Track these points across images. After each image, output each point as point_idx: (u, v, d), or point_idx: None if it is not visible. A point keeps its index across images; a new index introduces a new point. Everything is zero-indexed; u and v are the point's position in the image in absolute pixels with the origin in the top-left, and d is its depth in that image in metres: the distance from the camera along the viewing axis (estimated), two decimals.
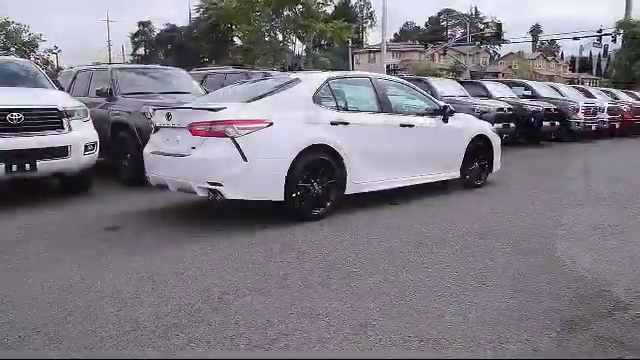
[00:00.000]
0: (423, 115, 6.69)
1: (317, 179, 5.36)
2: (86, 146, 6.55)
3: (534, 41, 57.72)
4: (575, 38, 36.11)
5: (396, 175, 6.22)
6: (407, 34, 74.58)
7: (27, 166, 6.04)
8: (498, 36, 37.22)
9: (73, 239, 4.79)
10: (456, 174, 7.06)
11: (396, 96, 6.43)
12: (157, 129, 5.62)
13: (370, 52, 58.21)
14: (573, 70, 62.47)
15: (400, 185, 6.28)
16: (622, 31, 28.76)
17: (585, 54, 55.89)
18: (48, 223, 5.42)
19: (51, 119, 6.33)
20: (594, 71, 39.35)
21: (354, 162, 5.62)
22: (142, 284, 3.55)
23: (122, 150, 7.67)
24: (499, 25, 36.56)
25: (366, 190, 5.88)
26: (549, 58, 64.88)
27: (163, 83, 8.75)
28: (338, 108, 5.71)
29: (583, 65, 56.86)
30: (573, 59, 66.66)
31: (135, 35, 65.28)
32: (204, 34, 44.94)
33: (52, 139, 6.24)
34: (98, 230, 5.07)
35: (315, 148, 5.29)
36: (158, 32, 62.50)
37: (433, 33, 71.01)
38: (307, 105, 5.46)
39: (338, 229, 5.04)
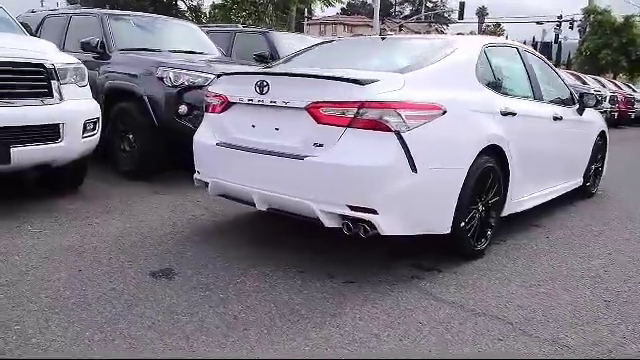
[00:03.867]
0: (560, 104, 4.94)
1: (482, 197, 3.50)
2: (85, 125, 4.29)
3: (480, 22, 57.65)
4: (539, 22, 35.89)
5: (545, 186, 4.49)
6: (354, 8, 72.44)
7: None
8: (461, 16, 36.31)
9: (99, 308, 2.66)
10: (580, 181, 5.43)
11: (539, 76, 4.61)
12: (226, 106, 3.47)
13: (322, 24, 55.74)
14: None
15: (543, 200, 4.54)
16: (591, 17, 28.50)
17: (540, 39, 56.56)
18: (31, 256, 3.21)
19: (34, 82, 4.01)
20: (554, 58, 39.60)
21: (516, 170, 3.81)
22: None
23: (121, 129, 5.38)
24: (462, 4, 35.54)
25: (519, 210, 4.10)
26: None
27: (171, 39, 6.43)
28: (500, 91, 3.83)
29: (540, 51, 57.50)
30: (523, 43, 67.74)
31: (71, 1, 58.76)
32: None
33: (35, 113, 3.95)
34: (138, 281, 2.97)
35: (485, 151, 3.41)
36: None
37: (381, 9, 69.46)
38: (471, 84, 3.55)
39: (507, 277, 3.28)
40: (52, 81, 4.06)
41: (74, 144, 4.18)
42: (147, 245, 3.53)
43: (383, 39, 4.02)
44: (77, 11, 6.63)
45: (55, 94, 4.07)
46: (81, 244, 3.50)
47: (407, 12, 67.84)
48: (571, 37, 35.45)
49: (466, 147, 3.26)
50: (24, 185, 4.91)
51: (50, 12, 7.00)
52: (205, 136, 3.58)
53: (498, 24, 62.52)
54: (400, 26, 44.66)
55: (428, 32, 64.91)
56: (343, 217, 2.94)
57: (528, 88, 4.31)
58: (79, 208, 4.30)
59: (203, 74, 5.13)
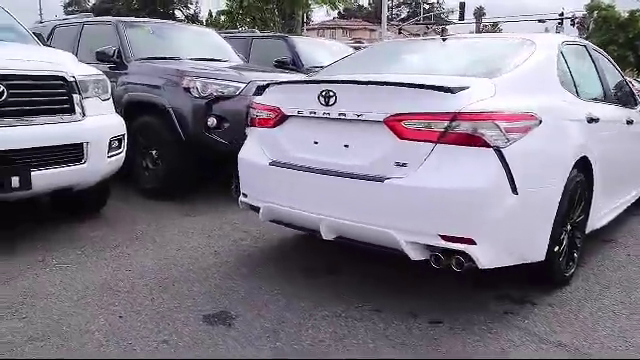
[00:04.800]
0: (627, 106, 4.50)
1: (571, 216, 3.07)
2: (110, 143, 3.84)
3: (477, 22, 57.37)
4: (540, 21, 35.56)
5: (620, 196, 4.07)
6: (351, 12, 72.09)
7: (14, 181, 3.28)
8: (462, 16, 35.96)
9: None
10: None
11: (607, 76, 4.18)
12: (280, 120, 3.03)
13: (321, 29, 55.35)
14: None
15: (619, 212, 4.10)
16: (595, 14, 28.21)
17: None
18: (61, 298, 2.76)
19: (54, 97, 3.57)
20: None
21: (599, 183, 3.38)
22: None
23: (143, 144, 4.93)
24: (462, 4, 35.21)
25: (599, 225, 3.67)
26: None
27: (189, 46, 5.98)
28: (580, 94, 3.40)
29: None
30: None
31: (69, 5, 58.17)
32: (143, 6, 40.15)
33: (56, 132, 3.51)
34: (191, 329, 2.52)
35: (576, 164, 2.98)
36: (94, 2, 55.85)
37: (378, 12, 69.15)
38: (555, 88, 3.12)
39: (609, 307, 2.85)
40: (73, 95, 3.63)
41: (99, 165, 3.74)
42: (191, 280, 3.08)
43: (444, 40, 3.59)
44: (89, 20, 6.19)
45: (77, 110, 3.63)
46: (115, 281, 3.05)
47: (404, 14, 67.50)
48: (572, 35, 35.02)
49: (562, 161, 2.83)
50: (39, 208, 4.46)
51: (60, 22, 6.56)
52: (254, 154, 3.14)
53: (495, 24, 62.24)
54: (400, 29, 44.30)
55: (426, 34, 64.65)
56: (431, 248, 2.51)
57: (600, 90, 3.89)
58: (105, 235, 3.86)
59: (233, 83, 4.71)
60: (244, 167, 3.21)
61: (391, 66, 3.46)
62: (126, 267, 3.27)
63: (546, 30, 33.29)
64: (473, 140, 2.41)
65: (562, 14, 34.28)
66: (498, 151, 2.42)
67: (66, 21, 6.47)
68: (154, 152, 4.90)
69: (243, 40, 7.75)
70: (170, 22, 6.25)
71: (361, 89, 2.71)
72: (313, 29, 56.38)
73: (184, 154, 4.73)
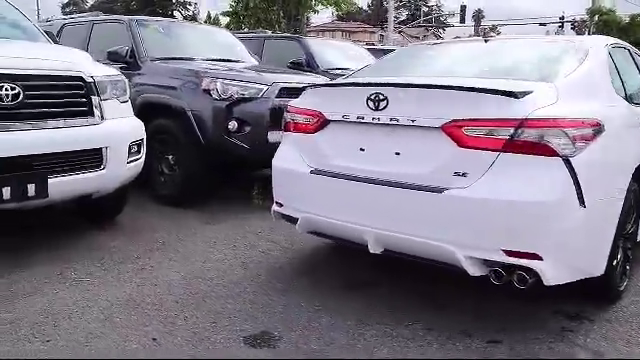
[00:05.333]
0: None
1: (626, 227, 2.89)
2: (129, 147, 3.63)
3: (476, 25, 57.46)
4: (542, 24, 35.56)
5: None
6: (350, 14, 72.06)
7: (31, 189, 3.07)
8: (462, 19, 35.89)
9: None
10: None
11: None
12: (321, 125, 2.83)
13: (321, 31, 55.12)
14: None
15: None
16: (596, 18, 28.16)
17: None
18: (86, 317, 2.55)
19: (72, 98, 3.36)
20: None
21: None
22: None
23: (159, 149, 4.72)
24: (463, 7, 35.15)
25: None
26: None
27: (203, 46, 5.78)
28: (631, 99, 3.22)
29: None
30: None
31: (66, 5, 57.73)
32: (142, 7, 39.78)
33: (75, 136, 3.31)
34: (233, 353, 2.32)
35: (635, 173, 2.80)
36: (92, 3, 55.39)
37: (377, 14, 68.95)
38: (609, 93, 2.94)
39: None
40: (92, 97, 3.43)
41: (118, 171, 3.54)
42: (223, 296, 2.88)
43: (486, 41, 3.40)
44: (100, 18, 5.98)
45: (96, 112, 3.43)
46: (141, 297, 2.85)
47: (403, 17, 67.44)
48: None
49: (623, 170, 2.66)
50: (53, 213, 4.25)
51: (68, 20, 6.34)
52: (291, 161, 2.95)
53: (494, 27, 62.34)
54: (400, 32, 44.23)
55: (425, 37, 64.63)
56: (492, 263, 2.32)
57: None
58: (124, 245, 3.65)
59: (255, 85, 4.52)
60: (280, 175, 3.01)
61: (436, 69, 3.26)
62: (151, 281, 3.06)
63: (547, 33, 33.20)
64: (540, 149, 2.23)
65: (563, 17, 34.26)
66: (566, 160, 2.23)
67: (75, 20, 6.25)
68: (170, 157, 4.70)
69: (256, 41, 7.55)
70: (183, 21, 6.02)
71: (416, 93, 2.52)
72: (312, 31, 56.15)
73: (202, 159, 4.53)
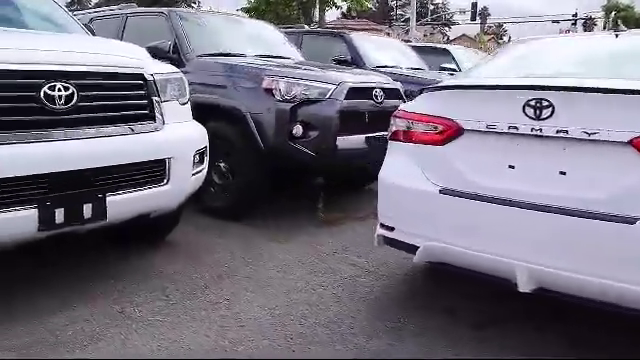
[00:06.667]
0: None
1: None
2: (193, 157, 3.10)
3: (482, 23, 56.83)
4: (555, 21, 34.93)
5: None
6: (357, 12, 71.39)
7: (87, 210, 2.53)
8: (474, 16, 35.29)
9: None
10: None
11: None
12: (453, 135, 2.29)
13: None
14: None
15: None
16: (612, 14, 27.59)
17: None
18: None
19: (132, 100, 2.83)
20: None
21: None
22: None
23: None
24: (474, 4, 34.51)
25: None
26: (500, 42, 64.30)
27: (251, 41, 5.24)
28: None
29: None
30: None
31: (70, 4, 57.26)
32: (150, 4, 39.17)
33: (137, 145, 2.77)
34: None
35: None
36: (96, 2, 54.76)
37: (383, 12, 68.34)
38: None
39: None
40: (154, 98, 2.89)
41: (183, 185, 3.01)
42: (329, 341, 2.36)
43: (617, 36, 2.86)
44: (135, 10, 5.43)
45: (158, 116, 2.90)
46: (232, 344, 2.34)
47: (408, 15, 66.70)
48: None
49: None
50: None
51: (96, 14, 5.79)
52: (408, 177, 2.42)
53: (500, 25, 61.71)
54: (406, 31, 43.70)
55: (432, 34, 63.92)
56: None
57: None
58: (185, 271, 3.13)
59: (321, 84, 3.99)
60: (392, 193, 2.48)
61: (592, 69, 2.67)
62: (235, 321, 2.54)
63: (560, 31, 32.68)
64: None
65: (576, 15, 33.71)
66: None
67: (105, 12, 5.70)
68: (222, 164, 4.16)
69: (293, 36, 6.99)
70: (226, 13, 5.49)
71: (595, 99, 1.98)
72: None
73: (262, 166, 4.01)
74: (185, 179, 3.01)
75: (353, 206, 4.71)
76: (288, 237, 3.78)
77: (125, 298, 2.73)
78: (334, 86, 3.99)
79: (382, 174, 2.57)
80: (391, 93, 4.54)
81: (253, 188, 4.04)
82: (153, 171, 2.84)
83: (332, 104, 3.94)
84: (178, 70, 3.27)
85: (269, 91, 3.88)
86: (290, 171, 4.35)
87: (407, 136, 2.49)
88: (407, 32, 46.25)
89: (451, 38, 67.14)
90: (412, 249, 2.42)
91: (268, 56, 4.94)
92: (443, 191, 2.28)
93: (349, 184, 5.27)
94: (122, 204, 2.70)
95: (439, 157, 2.33)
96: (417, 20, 56.22)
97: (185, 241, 3.64)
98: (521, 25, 50.75)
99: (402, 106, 2.62)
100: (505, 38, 72.93)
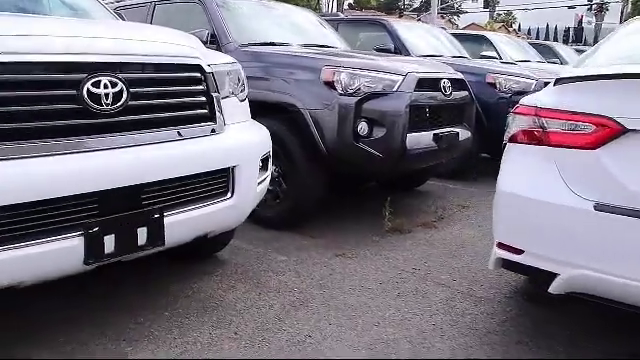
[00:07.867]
0: None
1: None
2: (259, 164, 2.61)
3: (491, 11, 55.84)
4: (570, 7, 34.02)
5: None
6: (362, 3, 70.46)
7: (141, 235, 2.05)
8: (487, 3, 34.48)
9: None
10: None
11: None
12: (608, 137, 1.78)
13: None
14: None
15: None
16: None
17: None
18: None
19: (190, 96, 2.34)
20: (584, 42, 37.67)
21: None
22: None
23: None
24: None
25: None
26: (510, 29, 63.18)
27: (293, 30, 4.73)
28: None
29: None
30: (529, 30, 65.62)
31: None
32: None
33: (198, 151, 2.26)
34: None
35: None
36: None
37: (390, 3, 67.40)
38: None
39: None
40: (213, 95, 2.39)
41: (248, 197, 2.52)
42: None
43: None
44: None
45: (218, 116, 2.40)
46: None
47: (417, 4, 65.87)
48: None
49: None
50: None
51: (118, 3, 5.29)
52: (545, 189, 1.92)
53: (509, 12, 60.74)
54: (419, 20, 43.18)
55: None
56: None
57: None
58: (248, 299, 2.66)
59: (388, 76, 3.51)
60: (523, 209, 1.98)
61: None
62: None
63: (576, 17, 31.96)
64: None
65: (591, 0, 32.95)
66: None
67: (131, 1, 5.19)
68: (274, 168, 3.66)
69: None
70: (267, 2, 4.96)
71: None
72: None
73: (321, 170, 3.52)
74: (251, 190, 2.52)
75: (410, 210, 4.24)
76: (355, 250, 3.30)
77: (184, 339, 2.25)
78: (401, 77, 3.49)
79: (504, 185, 2.07)
80: (457, 84, 4.04)
81: (309, 195, 3.56)
82: (216, 182, 2.35)
83: (400, 98, 3.44)
84: (235, 60, 2.76)
85: (330, 84, 3.38)
86: (347, 174, 3.86)
87: (540, 138, 1.99)
88: (419, 21, 45.57)
89: (460, 27, 66.25)
90: (545, 276, 1.93)
91: (314, 45, 4.44)
92: (598, 207, 1.78)
93: (398, 185, 4.79)
94: (182, 225, 2.22)
95: (590, 164, 1.83)
96: (426, 9, 55.43)
97: (235, 257, 3.18)
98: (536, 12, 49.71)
99: (525, 100, 2.11)
100: (515, 26, 72.07)
